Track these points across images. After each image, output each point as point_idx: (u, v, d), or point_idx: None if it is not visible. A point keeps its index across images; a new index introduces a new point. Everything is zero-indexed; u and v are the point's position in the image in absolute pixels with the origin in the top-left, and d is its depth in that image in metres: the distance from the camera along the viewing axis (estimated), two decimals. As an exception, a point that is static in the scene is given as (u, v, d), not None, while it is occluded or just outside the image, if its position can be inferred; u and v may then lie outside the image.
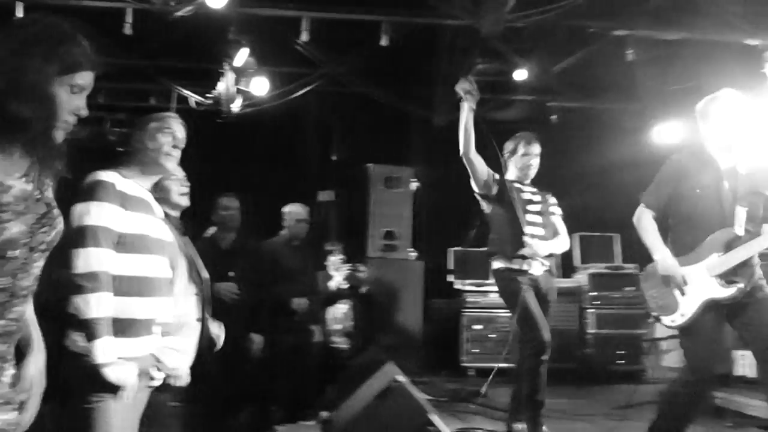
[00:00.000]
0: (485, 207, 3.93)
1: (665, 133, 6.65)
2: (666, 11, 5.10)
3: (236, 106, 5.99)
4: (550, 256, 3.84)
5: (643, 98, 6.56)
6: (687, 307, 2.90)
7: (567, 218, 4.05)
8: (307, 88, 6.10)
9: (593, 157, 6.88)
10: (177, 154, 2.11)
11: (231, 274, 3.93)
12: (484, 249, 6.74)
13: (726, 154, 2.97)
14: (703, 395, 2.95)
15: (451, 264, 6.98)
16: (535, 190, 3.95)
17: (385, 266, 6.17)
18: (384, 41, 4.99)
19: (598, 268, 6.59)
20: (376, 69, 6.06)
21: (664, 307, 2.98)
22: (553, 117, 6.86)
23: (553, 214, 3.98)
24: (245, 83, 5.83)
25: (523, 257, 3.70)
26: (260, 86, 5.93)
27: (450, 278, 6.97)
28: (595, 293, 6.52)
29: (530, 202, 3.88)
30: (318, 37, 5.23)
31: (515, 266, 3.72)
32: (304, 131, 7.12)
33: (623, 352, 6.44)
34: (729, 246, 2.87)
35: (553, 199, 4.02)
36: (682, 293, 2.92)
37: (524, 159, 3.91)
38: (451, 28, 5.40)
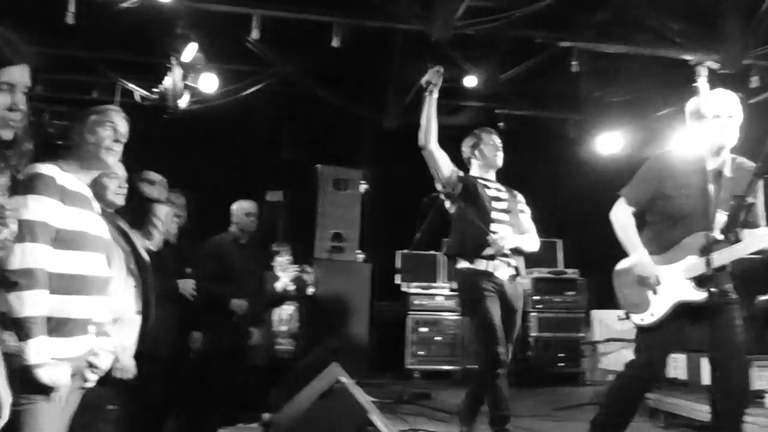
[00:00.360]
0: (449, 206, 3.70)
1: (607, 143, 6.91)
2: (609, 25, 5.28)
3: (183, 102, 5.86)
4: (518, 254, 3.61)
5: (585, 109, 6.79)
6: (658, 307, 2.88)
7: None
8: (257, 87, 6.04)
9: (538, 164, 7.07)
10: (119, 148, 2.05)
11: (188, 270, 3.84)
12: (432, 252, 6.96)
13: (714, 155, 2.91)
14: (646, 392, 3.01)
15: (398, 266, 7.04)
16: (501, 187, 3.75)
17: (332, 268, 6.15)
18: (335, 42, 4.98)
19: (541, 272, 6.76)
20: (328, 70, 6.05)
21: (635, 305, 2.96)
22: (501, 124, 7.01)
23: (522, 212, 3.76)
24: (193, 79, 5.72)
25: (489, 257, 3.47)
26: (209, 83, 5.83)
27: (397, 281, 7.03)
28: (538, 297, 6.68)
29: (497, 199, 3.64)
30: (269, 36, 5.18)
31: (480, 267, 3.49)
32: (253, 130, 7.04)
33: (563, 354, 6.62)
34: (707, 249, 2.80)
35: (521, 197, 3.80)
36: (655, 293, 2.91)
37: (489, 149, 3.72)
38: (402, 33, 5.45)
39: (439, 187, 3.62)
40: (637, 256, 2.94)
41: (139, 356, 2.37)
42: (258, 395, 4.43)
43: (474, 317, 3.49)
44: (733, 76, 5.18)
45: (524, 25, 5.18)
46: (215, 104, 6.04)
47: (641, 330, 2.96)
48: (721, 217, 2.81)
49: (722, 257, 2.76)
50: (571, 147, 7.20)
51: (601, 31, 5.31)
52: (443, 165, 3.53)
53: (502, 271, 3.51)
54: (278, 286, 5.21)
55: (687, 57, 4.95)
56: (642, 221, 3.08)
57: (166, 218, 3.04)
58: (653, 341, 2.90)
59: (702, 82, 2.47)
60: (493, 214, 3.54)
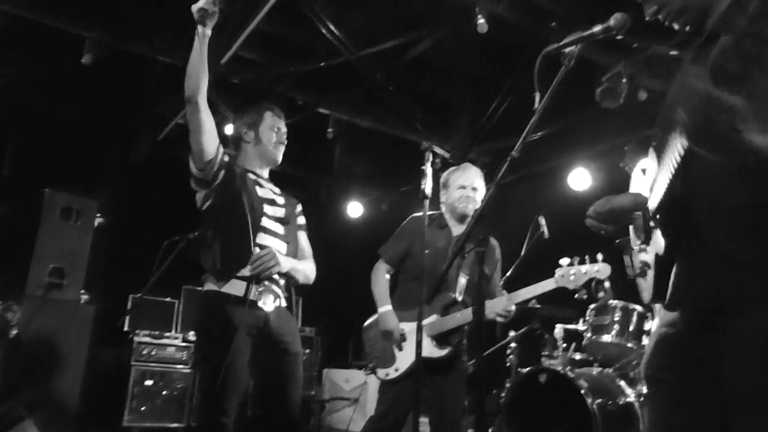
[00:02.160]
0: (201, 201, 2.65)
1: (352, 210, 7.38)
2: (365, 100, 5.73)
3: None
4: (291, 284, 2.73)
5: (337, 175, 7.19)
6: (402, 363, 3.02)
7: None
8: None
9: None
10: None
11: None
12: (168, 299, 6.52)
13: (458, 223, 3.23)
14: None
15: (128, 311, 6.45)
16: (276, 189, 2.83)
17: (46, 307, 5.39)
18: (86, 59, 4.55)
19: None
20: (73, 86, 5.49)
21: (382, 360, 3.08)
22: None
23: (300, 228, 2.89)
24: None
25: (249, 279, 2.51)
26: None
27: (126, 327, 6.43)
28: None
29: (271, 202, 2.72)
30: (7, 34, 4.54)
31: (233, 292, 2.49)
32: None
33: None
34: (447, 310, 3.04)
35: (300, 207, 2.93)
36: (400, 349, 3.04)
37: (269, 135, 2.77)
38: (163, 65, 5.22)
39: (193, 168, 2.57)
40: (382, 311, 3.09)
41: None
42: None
43: (205, 365, 2.49)
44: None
45: (288, 85, 5.36)
46: None
47: (384, 384, 3.09)
48: (462, 281, 3.10)
49: (433, 327, 3.02)
50: (320, 209, 7.50)
51: (356, 105, 5.74)
52: (208, 132, 2.53)
53: (267, 300, 2.56)
54: (-30, 323, 4.39)
55: (422, 142, 5.58)
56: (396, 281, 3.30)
57: None
58: (395, 395, 3.03)
59: (428, 166, 2.75)
60: (264, 221, 2.64)
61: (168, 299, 6.60)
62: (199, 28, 2.48)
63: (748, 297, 1.32)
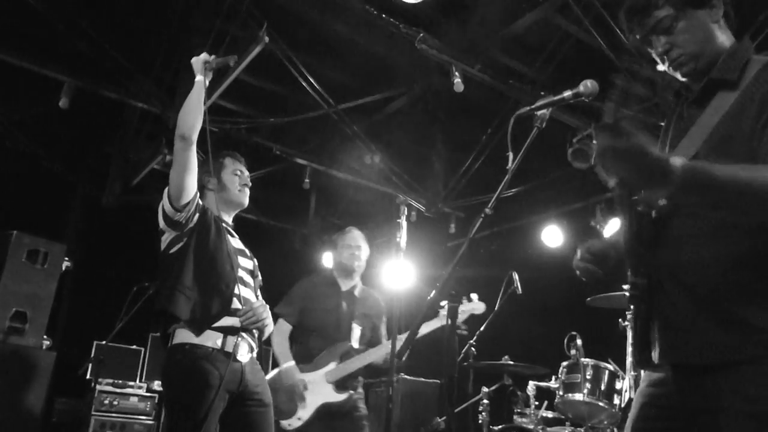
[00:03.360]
0: (169, 243, 2.53)
1: (327, 261, 7.35)
2: (339, 153, 5.81)
3: None
4: (261, 341, 2.64)
5: (312, 225, 7.17)
6: (304, 412, 3.27)
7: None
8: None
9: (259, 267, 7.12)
10: None
11: None
12: (134, 347, 6.32)
13: (346, 279, 3.62)
14: None
15: (92, 358, 6.24)
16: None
17: (3, 353, 5.19)
18: (63, 103, 4.55)
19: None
20: (47, 127, 5.46)
21: (284, 412, 3.27)
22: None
23: (259, 283, 2.77)
24: None
25: (227, 330, 2.41)
26: None
27: (88, 375, 6.20)
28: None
29: (242, 253, 2.67)
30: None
31: (210, 344, 2.37)
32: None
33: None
34: (344, 357, 3.37)
35: (256, 261, 2.82)
36: (303, 399, 3.28)
37: (232, 180, 2.75)
38: (142, 112, 5.23)
39: (168, 208, 2.48)
40: (284, 368, 3.35)
41: None
42: None
43: (177, 423, 2.38)
44: (436, 220, 6.03)
45: (266, 135, 5.41)
46: None
47: None
48: (356, 330, 3.47)
49: (333, 374, 3.33)
50: (294, 258, 7.44)
51: (333, 156, 5.81)
52: (193, 172, 2.48)
53: (243, 351, 2.46)
54: None
55: (398, 195, 5.64)
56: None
57: None
58: None
59: (403, 219, 2.87)
60: (240, 272, 2.58)
61: (134, 347, 6.42)
62: (199, 77, 2.57)
63: (737, 357, 1.31)
